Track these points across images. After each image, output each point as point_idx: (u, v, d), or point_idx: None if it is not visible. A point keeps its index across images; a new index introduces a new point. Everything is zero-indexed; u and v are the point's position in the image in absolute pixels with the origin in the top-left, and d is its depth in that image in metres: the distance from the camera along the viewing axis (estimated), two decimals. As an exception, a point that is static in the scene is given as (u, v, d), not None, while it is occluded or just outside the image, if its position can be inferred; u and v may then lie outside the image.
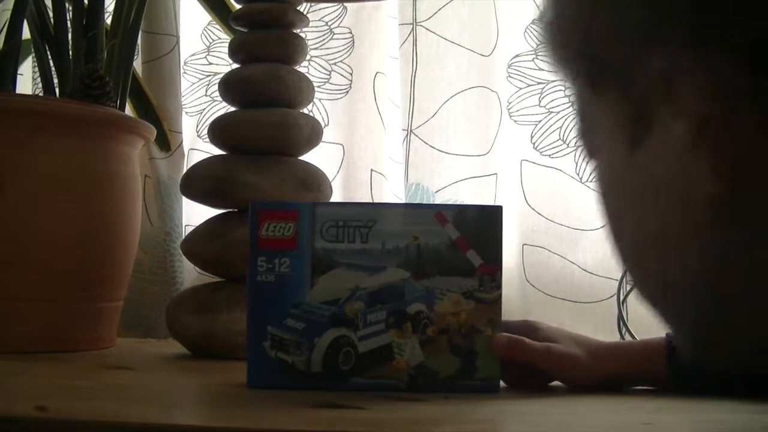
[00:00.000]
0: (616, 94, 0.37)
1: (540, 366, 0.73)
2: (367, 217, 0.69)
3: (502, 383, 0.72)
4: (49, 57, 1.06)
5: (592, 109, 0.40)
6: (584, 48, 0.38)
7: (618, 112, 0.37)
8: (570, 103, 0.43)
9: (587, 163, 0.43)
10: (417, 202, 1.23)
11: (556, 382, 0.76)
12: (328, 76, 1.28)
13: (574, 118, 0.44)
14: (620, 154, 0.38)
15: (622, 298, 1.05)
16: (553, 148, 1.20)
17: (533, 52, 1.20)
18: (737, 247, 0.34)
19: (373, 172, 1.25)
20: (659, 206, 0.37)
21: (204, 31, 1.35)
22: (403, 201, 1.24)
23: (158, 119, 1.24)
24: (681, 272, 0.37)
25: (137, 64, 1.26)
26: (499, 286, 0.70)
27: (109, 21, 1.11)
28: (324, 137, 1.03)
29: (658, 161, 0.36)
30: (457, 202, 1.20)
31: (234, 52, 1.00)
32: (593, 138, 0.41)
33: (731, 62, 0.32)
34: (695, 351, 0.40)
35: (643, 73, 0.35)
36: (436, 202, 1.22)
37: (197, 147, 1.33)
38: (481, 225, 0.70)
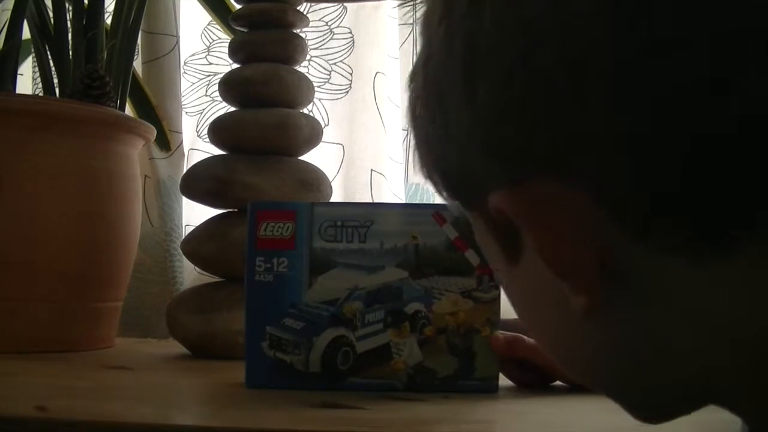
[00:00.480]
0: (483, 218, 0.37)
1: (539, 363, 0.73)
2: (365, 216, 0.69)
3: (502, 381, 0.72)
4: (49, 57, 1.06)
5: (473, 222, 0.39)
6: (435, 166, 0.38)
7: (490, 231, 0.37)
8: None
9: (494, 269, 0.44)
10: (417, 202, 1.23)
11: (556, 383, 0.76)
12: (328, 76, 1.28)
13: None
14: (503, 268, 0.38)
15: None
16: (553, 148, 1.20)
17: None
18: (616, 343, 0.35)
19: (373, 172, 1.25)
20: (546, 312, 0.37)
21: (204, 31, 1.35)
22: (403, 201, 1.24)
23: (158, 119, 1.24)
24: (585, 364, 0.38)
25: (137, 64, 1.26)
26: (497, 286, 0.70)
27: (109, 21, 1.11)
28: (324, 137, 1.03)
29: (535, 279, 0.36)
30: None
31: (234, 52, 1.00)
32: (483, 248, 0.41)
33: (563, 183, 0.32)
34: (637, 417, 0.40)
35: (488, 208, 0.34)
36: (437, 202, 1.22)
37: (197, 147, 1.33)
38: (480, 225, 0.70)
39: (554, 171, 0.31)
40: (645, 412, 0.39)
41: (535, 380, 0.75)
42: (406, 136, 1.25)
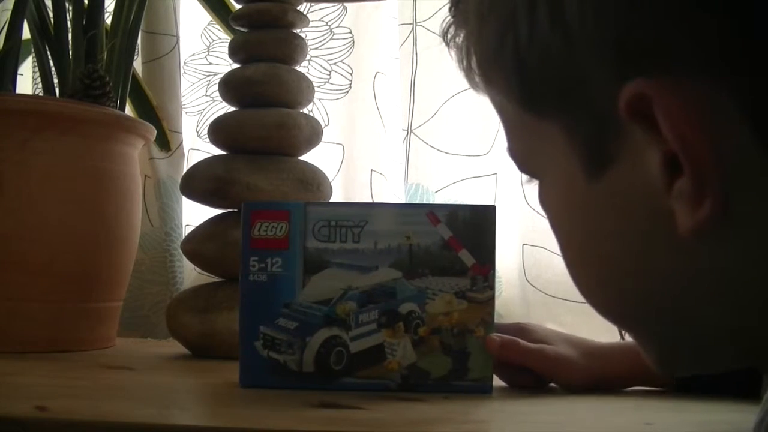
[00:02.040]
0: (566, 121, 0.35)
1: (534, 367, 0.73)
2: (359, 216, 0.69)
3: (496, 381, 0.72)
4: (49, 57, 1.06)
5: (532, 133, 0.37)
6: (519, 67, 0.35)
7: (569, 138, 0.35)
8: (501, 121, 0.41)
9: (527, 181, 0.42)
10: (415, 202, 1.23)
11: (554, 384, 0.76)
12: (328, 76, 1.28)
13: (506, 137, 0.41)
14: (575, 183, 0.36)
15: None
16: (554, 147, 1.20)
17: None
18: (705, 275, 0.33)
19: (373, 172, 1.25)
20: (627, 237, 0.35)
21: (204, 31, 1.35)
22: (404, 201, 1.24)
23: (158, 119, 1.24)
24: (649, 298, 0.36)
25: (137, 64, 1.26)
26: (491, 286, 0.70)
27: (109, 21, 1.12)
28: (324, 137, 1.03)
29: (624, 196, 0.34)
30: (457, 202, 1.20)
31: (234, 52, 1.00)
32: (534, 161, 0.39)
33: (714, 85, 0.30)
34: (663, 365, 0.39)
35: (600, 100, 0.33)
36: (437, 202, 1.22)
37: (197, 147, 1.33)
38: (474, 224, 0.70)
39: (697, 66, 0.30)
40: (675, 360, 0.38)
41: (528, 382, 0.75)
42: (406, 136, 1.25)
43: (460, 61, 0.40)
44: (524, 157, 0.40)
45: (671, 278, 0.34)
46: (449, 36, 0.40)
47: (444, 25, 0.41)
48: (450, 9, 0.40)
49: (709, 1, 0.30)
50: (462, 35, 0.39)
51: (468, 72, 0.39)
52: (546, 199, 0.40)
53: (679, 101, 0.30)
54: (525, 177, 0.41)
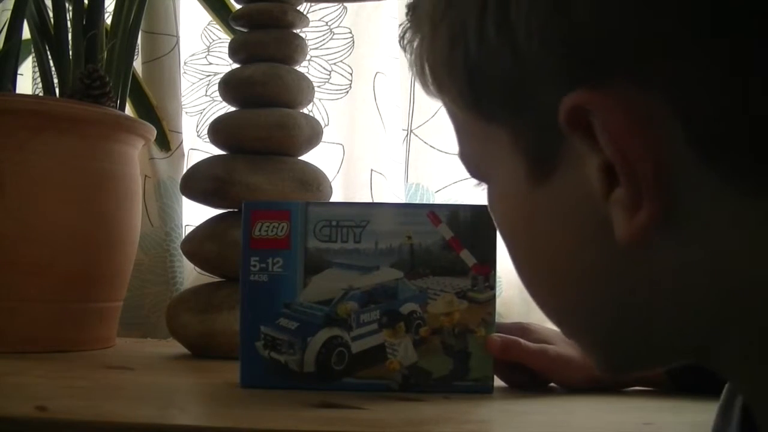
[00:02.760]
0: (511, 125, 0.35)
1: (535, 367, 0.73)
2: (360, 216, 0.69)
3: (496, 381, 0.73)
4: (49, 57, 1.06)
5: (481, 138, 0.38)
6: (469, 74, 0.36)
7: (514, 144, 0.35)
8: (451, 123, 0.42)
9: (476, 185, 0.42)
10: (415, 202, 1.23)
11: (554, 384, 0.76)
12: (328, 76, 1.28)
13: (456, 139, 0.42)
14: (520, 188, 0.36)
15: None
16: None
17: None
18: (645, 281, 0.34)
19: (373, 172, 1.25)
20: (568, 243, 0.35)
21: (204, 31, 1.35)
22: (404, 201, 1.24)
23: (158, 119, 1.24)
24: (590, 303, 0.36)
25: (137, 64, 1.26)
26: (492, 287, 0.70)
27: (109, 21, 1.12)
28: (324, 137, 1.03)
29: (566, 202, 0.34)
30: (456, 202, 1.20)
31: (234, 52, 1.00)
32: (483, 166, 0.39)
33: (651, 95, 0.31)
34: (606, 368, 0.39)
35: (544, 106, 0.33)
36: (437, 202, 1.22)
37: (197, 147, 1.33)
38: (475, 225, 0.70)
39: (636, 76, 0.31)
40: (618, 362, 0.38)
41: (527, 382, 0.75)
42: (406, 136, 1.25)
43: (414, 65, 0.40)
44: (474, 161, 0.40)
45: (612, 284, 0.35)
46: (405, 41, 0.41)
47: (401, 29, 0.41)
48: (406, 14, 0.41)
49: (654, 7, 0.30)
50: (416, 41, 0.39)
51: (422, 77, 0.40)
52: (493, 204, 0.40)
53: (616, 113, 0.31)
54: (474, 181, 0.42)
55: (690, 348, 0.36)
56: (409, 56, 0.41)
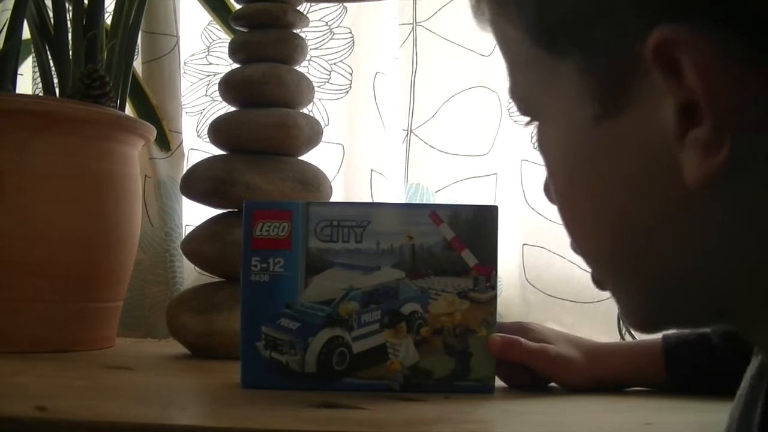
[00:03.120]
0: (581, 60, 0.35)
1: (535, 367, 0.73)
2: (361, 216, 0.69)
3: (498, 382, 0.73)
4: (49, 57, 1.06)
5: (541, 70, 0.37)
6: (539, 6, 0.35)
7: (582, 79, 0.35)
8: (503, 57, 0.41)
9: (526, 124, 0.41)
10: (416, 202, 1.23)
11: (551, 384, 0.76)
12: (328, 76, 1.28)
13: (508, 75, 0.41)
14: (582, 125, 0.35)
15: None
16: (554, 147, 1.20)
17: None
18: (700, 231, 0.33)
19: (373, 172, 1.25)
20: (629, 182, 0.35)
21: (204, 31, 1.35)
22: (403, 201, 1.24)
23: (158, 119, 1.24)
24: (641, 249, 0.36)
25: (137, 64, 1.26)
26: (493, 287, 0.70)
27: (109, 21, 1.12)
28: (324, 137, 1.03)
29: (633, 141, 0.34)
30: (457, 202, 1.20)
31: (234, 52, 1.00)
32: (537, 101, 0.38)
33: (736, 35, 0.30)
34: (642, 323, 0.39)
35: (621, 42, 0.33)
36: (437, 202, 1.22)
37: (197, 147, 1.33)
38: (477, 225, 0.70)
39: (725, 15, 0.31)
40: (656, 314, 0.38)
41: (527, 382, 0.75)
42: (406, 136, 1.25)
43: None
44: (527, 96, 0.39)
45: (672, 228, 0.34)
46: None
47: None
48: None
49: None
50: None
51: (478, 7, 0.39)
52: (546, 141, 0.39)
53: (707, 49, 0.31)
54: (524, 119, 0.41)
55: (728, 307, 0.35)
56: None
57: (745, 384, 0.42)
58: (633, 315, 0.39)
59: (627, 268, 0.37)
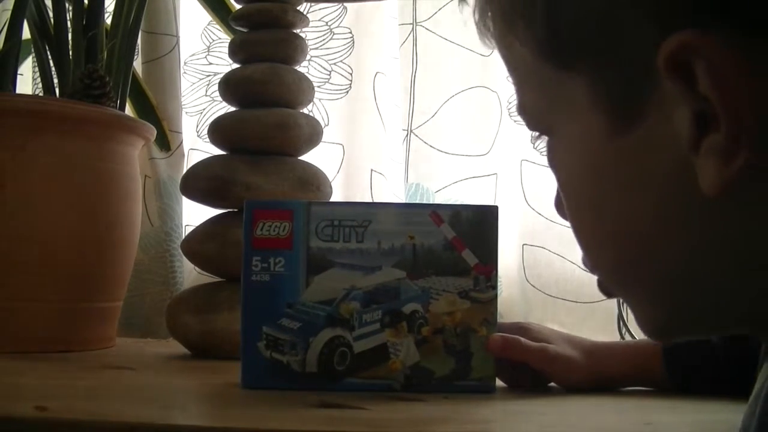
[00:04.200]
0: (591, 73, 0.34)
1: (535, 366, 0.73)
2: (362, 216, 0.69)
3: (499, 382, 0.72)
4: (49, 57, 1.06)
5: (551, 85, 0.37)
6: (550, 16, 0.35)
7: (593, 92, 0.34)
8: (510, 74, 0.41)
9: (534, 140, 0.41)
10: (416, 202, 1.23)
11: (552, 384, 0.76)
12: (328, 76, 1.28)
13: (515, 91, 0.40)
14: (595, 138, 0.35)
15: (622, 298, 1.05)
16: (554, 148, 1.20)
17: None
18: (718, 239, 0.33)
19: (373, 172, 1.25)
20: (645, 194, 0.34)
21: (204, 31, 1.35)
22: (403, 201, 1.24)
23: (158, 119, 1.24)
24: (658, 259, 0.36)
25: (137, 64, 1.26)
26: (494, 286, 0.70)
27: (109, 21, 1.12)
28: (324, 137, 1.03)
29: (647, 152, 0.34)
30: (457, 202, 1.20)
31: (234, 52, 1.00)
32: (547, 116, 0.38)
33: (750, 39, 0.30)
34: (658, 332, 0.39)
35: (631, 52, 0.32)
36: (437, 202, 1.22)
37: (197, 147, 1.33)
38: (477, 225, 0.70)
39: (740, 19, 0.30)
40: (670, 322, 0.37)
41: (527, 382, 0.74)
42: (406, 136, 1.25)
43: (476, 11, 0.39)
44: (537, 111, 0.39)
45: (684, 240, 0.34)
46: None
47: None
48: None
49: None
50: None
51: (483, 23, 0.38)
52: (556, 157, 0.39)
53: (720, 54, 0.30)
54: (534, 134, 0.41)
55: (746, 314, 0.35)
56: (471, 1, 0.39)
57: (758, 387, 0.41)
58: (648, 324, 0.39)
59: (641, 279, 0.37)
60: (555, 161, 0.39)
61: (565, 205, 0.40)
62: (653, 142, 0.33)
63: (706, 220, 0.33)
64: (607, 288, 0.41)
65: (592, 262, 0.39)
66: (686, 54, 0.31)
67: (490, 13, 0.38)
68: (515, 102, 0.41)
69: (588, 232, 0.39)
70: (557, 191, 0.41)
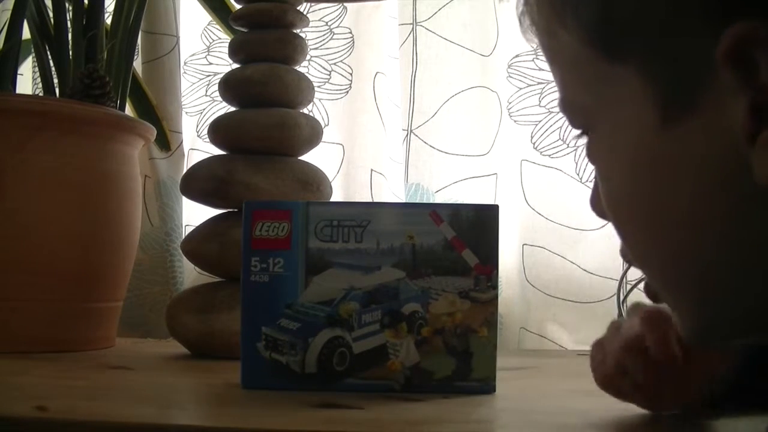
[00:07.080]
0: (645, 63, 0.34)
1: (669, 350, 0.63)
2: (361, 216, 0.69)
3: (500, 382, 0.72)
4: (49, 57, 1.06)
5: (598, 78, 0.36)
6: (606, 8, 0.34)
7: (644, 83, 0.34)
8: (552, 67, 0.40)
9: (577, 136, 0.40)
10: (416, 201, 1.23)
11: (552, 384, 0.76)
12: (328, 76, 1.28)
13: (557, 86, 0.40)
14: (645, 131, 0.34)
15: (622, 298, 1.05)
16: (553, 148, 1.20)
17: (533, 52, 1.20)
18: None
19: (373, 172, 1.25)
20: (696, 190, 0.34)
21: (204, 31, 1.35)
22: (403, 201, 1.24)
23: (158, 119, 1.24)
24: (706, 261, 0.35)
25: (137, 64, 1.26)
26: (494, 286, 0.70)
27: (109, 21, 1.12)
28: (324, 137, 1.03)
29: (700, 146, 0.33)
30: (458, 202, 1.20)
31: (234, 52, 1.00)
32: (592, 109, 0.37)
33: None
34: (701, 335, 0.38)
35: (688, 43, 0.32)
36: (437, 202, 1.22)
37: (197, 147, 1.33)
38: (477, 224, 0.70)
39: None
40: (712, 323, 0.37)
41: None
42: (406, 136, 1.25)
43: (520, 4, 0.38)
44: (581, 107, 0.38)
45: (732, 235, 0.33)
46: None
47: None
48: None
49: None
50: None
51: (527, 15, 0.38)
52: (601, 150, 0.38)
53: None
54: (574, 131, 0.40)
55: None
56: None
57: None
58: (687, 323, 0.38)
59: (689, 273, 0.37)
60: (599, 155, 0.39)
61: (605, 200, 0.39)
62: (704, 134, 0.33)
63: (754, 211, 0.32)
64: (654, 292, 0.40)
65: (638, 259, 0.39)
66: (748, 45, 0.30)
67: (536, 1, 0.37)
68: (557, 98, 0.40)
69: (632, 229, 0.38)
70: (594, 188, 0.40)
